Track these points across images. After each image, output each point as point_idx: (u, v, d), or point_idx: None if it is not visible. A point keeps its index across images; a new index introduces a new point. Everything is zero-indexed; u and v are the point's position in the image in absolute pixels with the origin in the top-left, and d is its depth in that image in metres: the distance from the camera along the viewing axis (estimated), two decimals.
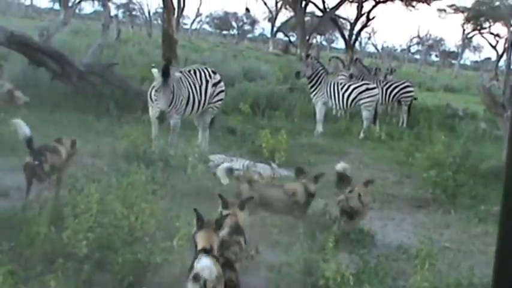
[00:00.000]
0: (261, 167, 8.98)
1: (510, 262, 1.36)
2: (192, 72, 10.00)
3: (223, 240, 4.46)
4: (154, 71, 9.09)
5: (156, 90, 9.00)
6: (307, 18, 32.31)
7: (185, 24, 65.08)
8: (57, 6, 53.62)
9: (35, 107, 10.78)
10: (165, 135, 9.71)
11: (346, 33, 30.05)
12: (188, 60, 19.63)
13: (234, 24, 79.96)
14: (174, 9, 16.92)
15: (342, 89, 13.92)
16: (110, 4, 18.86)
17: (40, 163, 6.11)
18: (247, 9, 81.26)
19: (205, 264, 3.96)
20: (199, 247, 4.13)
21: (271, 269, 5.31)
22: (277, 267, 5.25)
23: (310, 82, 13.91)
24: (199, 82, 9.91)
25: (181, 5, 28.74)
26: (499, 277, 1.39)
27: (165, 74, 8.95)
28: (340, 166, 7.15)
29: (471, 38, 57.23)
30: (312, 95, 14.07)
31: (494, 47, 51.51)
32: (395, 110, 17.24)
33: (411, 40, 73.56)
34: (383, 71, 20.92)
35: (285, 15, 53.37)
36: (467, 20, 49.39)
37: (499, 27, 51.33)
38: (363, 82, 14.72)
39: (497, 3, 40.54)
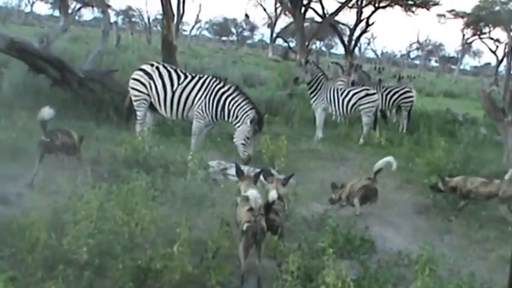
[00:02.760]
0: None
1: None
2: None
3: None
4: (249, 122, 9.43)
5: (248, 138, 9.41)
6: (306, 24, 32.31)
7: (184, 30, 65.19)
8: (57, 13, 53.88)
9: (35, 113, 10.75)
10: (164, 141, 9.71)
11: (346, 39, 30.04)
12: (188, 66, 19.65)
13: (233, 30, 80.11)
14: (173, 15, 16.90)
15: (341, 94, 13.89)
16: (109, 11, 18.88)
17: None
18: (247, 15, 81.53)
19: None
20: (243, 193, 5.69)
21: (271, 275, 5.31)
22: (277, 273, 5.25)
23: (310, 88, 13.88)
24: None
25: (181, 11, 28.68)
26: None
27: (261, 126, 9.57)
28: None
29: (471, 43, 57.32)
30: (311, 101, 14.04)
31: (494, 52, 51.56)
32: (395, 115, 17.22)
33: (411, 45, 73.84)
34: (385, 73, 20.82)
35: (284, 21, 53.61)
36: (467, 25, 49.39)
37: (498, 32, 51.41)
38: (363, 88, 14.64)
39: (497, 8, 40.55)
